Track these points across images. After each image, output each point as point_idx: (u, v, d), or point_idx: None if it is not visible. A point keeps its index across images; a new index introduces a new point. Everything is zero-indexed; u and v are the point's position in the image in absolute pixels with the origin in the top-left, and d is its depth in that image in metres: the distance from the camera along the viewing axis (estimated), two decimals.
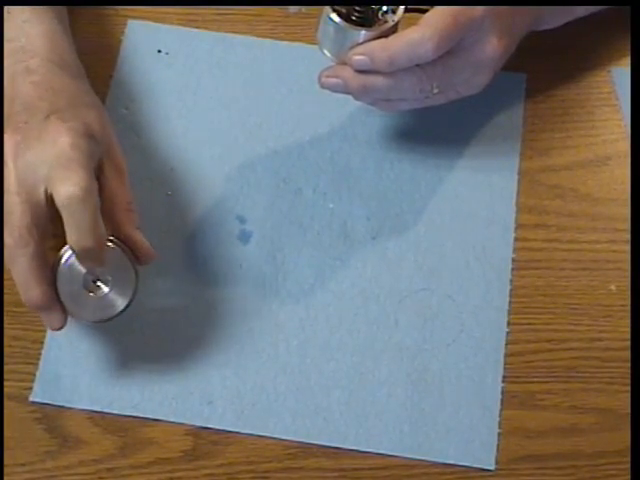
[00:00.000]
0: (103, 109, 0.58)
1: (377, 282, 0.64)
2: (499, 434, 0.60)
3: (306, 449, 0.60)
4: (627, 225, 0.65)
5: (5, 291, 0.62)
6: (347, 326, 0.62)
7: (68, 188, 0.51)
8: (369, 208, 0.66)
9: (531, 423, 0.60)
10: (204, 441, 0.60)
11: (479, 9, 0.58)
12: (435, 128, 0.68)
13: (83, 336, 0.62)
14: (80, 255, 0.53)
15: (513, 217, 0.66)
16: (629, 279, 0.63)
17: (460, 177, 0.67)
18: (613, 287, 0.64)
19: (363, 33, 0.58)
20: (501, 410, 0.60)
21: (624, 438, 0.60)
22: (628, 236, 0.65)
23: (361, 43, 0.58)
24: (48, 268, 0.54)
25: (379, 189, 0.66)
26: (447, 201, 0.66)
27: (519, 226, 0.66)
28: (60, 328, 0.55)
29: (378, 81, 0.59)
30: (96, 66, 0.70)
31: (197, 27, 0.72)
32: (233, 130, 0.68)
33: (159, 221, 0.65)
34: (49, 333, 0.62)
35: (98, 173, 0.55)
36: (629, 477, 0.58)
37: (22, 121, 0.54)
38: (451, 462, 0.59)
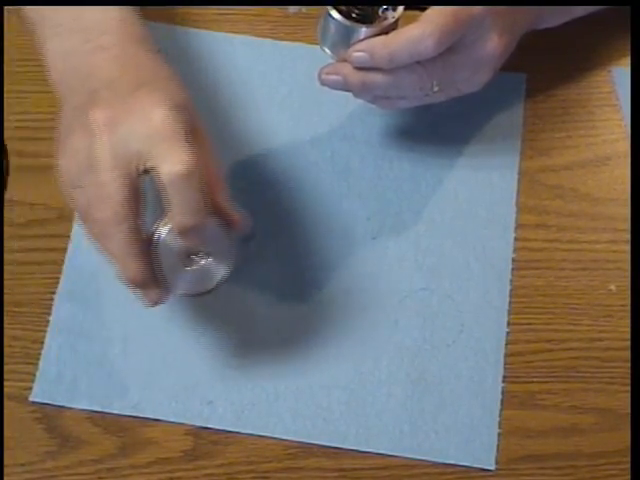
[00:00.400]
0: (180, 80, 0.56)
1: (377, 282, 0.64)
2: (499, 434, 0.60)
3: (306, 449, 0.60)
4: (627, 225, 0.65)
5: (5, 291, 0.63)
6: (347, 326, 0.62)
7: (173, 166, 0.49)
8: (369, 208, 0.66)
9: (531, 423, 0.60)
10: (204, 441, 0.60)
11: (480, 7, 0.58)
12: (435, 128, 0.68)
13: (83, 336, 0.62)
14: (181, 232, 0.52)
15: (513, 217, 0.66)
16: (629, 279, 0.63)
17: (460, 177, 0.67)
18: (613, 287, 0.64)
19: (363, 30, 0.58)
20: (501, 410, 0.60)
21: (624, 438, 0.60)
22: (628, 236, 0.65)
23: (361, 40, 0.58)
24: (145, 243, 0.53)
25: (379, 189, 0.66)
26: (447, 201, 0.66)
27: (519, 226, 0.65)
28: (159, 304, 0.54)
29: (378, 78, 0.59)
30: None
31: (197, 27, 0.72)
32: (233, 130, 0.68)
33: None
34: (49, 333, 0.62)
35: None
36: (629, 477, 0.58)
37: (108, 96, 0.52)
38: (451, 462, 0.59)
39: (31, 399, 0.60)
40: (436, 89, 0.60)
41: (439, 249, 0.65)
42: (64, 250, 0.64)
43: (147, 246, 0.53)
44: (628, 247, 0.64)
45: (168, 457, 0.59)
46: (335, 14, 0.57)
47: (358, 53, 0.58)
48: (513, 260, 0.64)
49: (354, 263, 0.64)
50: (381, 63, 0.58)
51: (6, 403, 0.60)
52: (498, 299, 0.63)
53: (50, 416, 0.60)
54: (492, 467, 0.59)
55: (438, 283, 0.64)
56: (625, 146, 0.68)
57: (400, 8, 0.58)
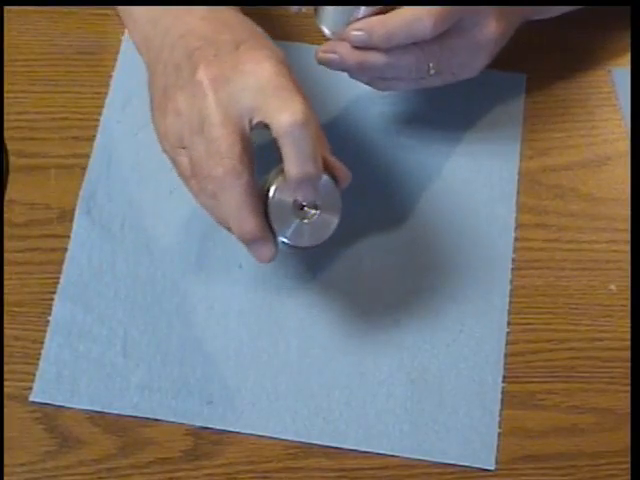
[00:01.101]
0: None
1: (377, 282, 0.64)
2: (499, 434, 0.60)
3: (306, 449, 0.60)
4: (627, 225, 0.65)
5: (5, 291, 0.63)
6: (347, 326, 0.62)
7: (289, 116, 0.50)
8: (369, 208, 0.66)
9: (531, 423, 0.60)
10: (204, 441, 0.60)
11: None
12: (435, 128, 0.68)
13: (83, 336, 0.62)
14: (298, 184, 0.52)
15: (513, 217, 0.66)
16: (629, 279, 0.63)
17: (460, 177, 0.67)
18: (613, 287, 0.64)
19: (362, 9, 0.57)
20: (501, 410, 0.60)
21: (624, 438, 0.60)
22: (628, 236, 0.65)
23: (359, 19, 0.58)
24: (260, 198, 0.53)
25: (379, 189, 0.66)
26: (447, 200, 0.66)
27: (519, 226, 0.65)
28: (271, 260, 0.54)
29: (375, 58, 0.59)
30: (96, 66, 0.70)
31: None
32: None
33: (159, 219, 0.65)
34: (49, 333, 0.62)
35: None
36: (629, 477, 0.58)
37: (210, 55, 0.52)
38: (451, 462, 0.59)
39: (31, 399, 0.60)
40: (432, 72, 0.60)
41: (439, 249, 0.65)
42: (64, 250, 0.64)
43: (261, 201, 0.53)
44: (628, 247, 0.64)
45: (168, 457, 0.59)
46: None
47: (356, 32, 0.58)
48: (513, 260, 0.64)
49: (354, 263, 0.64)
50: (379, 42, 0.57)
51: (6, 403, 0.60)
52: (498, 299, 0.63)
53: (50, 416, 0.60)
54: (492, 467, 0.59)
55: (438, 283, 0.64)
56: (625, 146, 0.68)
57: None
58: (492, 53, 0.62)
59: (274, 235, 0.54)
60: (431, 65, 0.59)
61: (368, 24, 0.57)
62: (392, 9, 0.58)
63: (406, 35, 0.57)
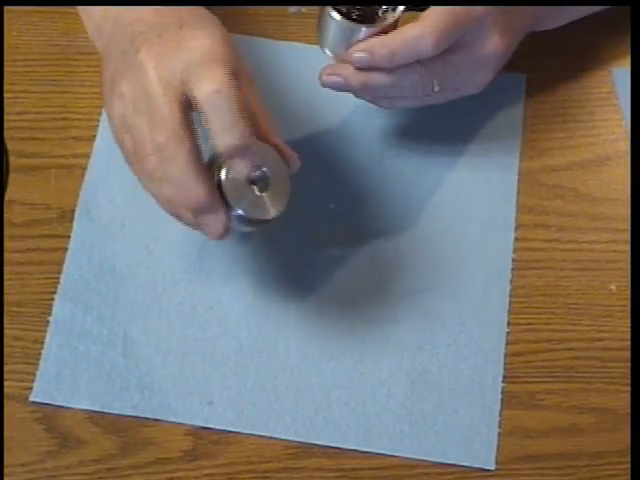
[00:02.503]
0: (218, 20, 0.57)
1: (377, 282, 0.64)
2: (499, 434, 0.60)
3: (306, 449, 0.60)
4: (627, 225, 0.65)
5: (5, 291, 0.63)
6: (347, 326, 0.62)
7: (208, 85, 0.51)
8: (369, 208, 0.66)
9: (531, 423, 0.60)
10: (204, 441, 0.60)
11: (480, 7, 0.58)
12: (435, 129, 0.68)
13: (83, 336, 0.62)
14: (228, 155, 0.52)
15: (513, 217, 0.66)
16: (629, 279, 0.63)
17: (460, 177, 0.67)
18: (613, 287, 0.64)
19: (364, 30, 0.58)
20: (501, 410, 0.60)
21: (624, 438, 0.60)
22: (628, 236, 0.65)
23: (361, 40, 0.58)
24: (206, 167, 0.53)
25: (379, 189, 0.66)
26: (447, 201, 0.66)
27: (519, 226, 0.65)
28: (223, 235, 0.54)
29: (379, 78, 0.59)
30: (96, 66, 0.70)
31: None
32: None
33: (159, 219, 0.65)
34: (49, 333, 0.62)
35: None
36: (629, 477, 0.58)
37: (154, 36, 0.53)
38: (451, 462, 0.59)
39: (31, 399, 0.60)
40: (436, 89, 0.60)
41: (439, 249, 0.65)
42: (64, 250, 0.64)
43: (208, 171, 0.53)
44: (628, 247, 0.64)
45: (168, 457, 0.59)
46: (335, 15, 0.57)
47: (359, 54, 0.58)
48: (513, 260, 0.64)
49: (354, 263, 0.64)
50: (381, 63, 0.58)
51: (6, 403, 0.60)
52: (498, 299, 0.63)
53: (50, 416, 0.60)
54: (492, 467, 0.59)
55: (438, 283, 0.64)
56: (625, 146, 0.68)
57: (400, 8, 0.58)
58: (496, 68, 0.62)
59: (228, 210, 0.54)
60: (435, 82, 0.59)
61: (370, 45, 0.58)
62: (394, 29, 0.58)
63: (408, 54, 0.57)
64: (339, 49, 0.59)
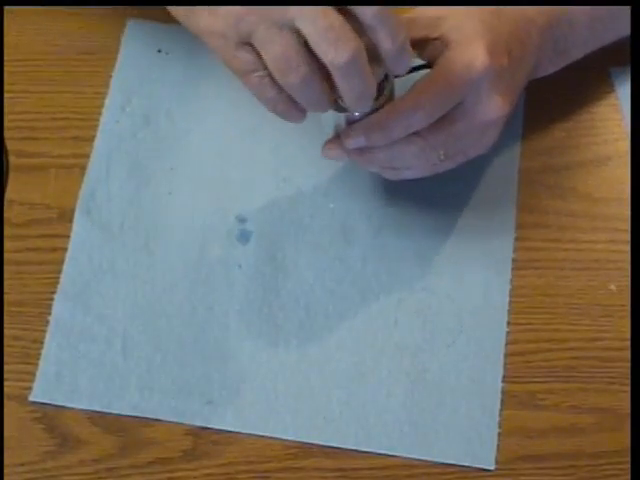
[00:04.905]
0: None
1: (377, 281, 0.64)
2: (499, 434, 0.60)
3: (306, 449, 0.60)
4: (627, 225, 0.65)
5: (5, 291, 0.63)
6: (347, 326, 0.62)
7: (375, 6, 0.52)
8: (369, 208, 0.66)
9: (531, 423, 0.60)
10: (204, 441, 0.60)
11: (477, 70, 0.56)
12: None
13: (83, 336, 0.62)
14: (396, 57, 0.54)
15: (513, 217, 0.66)
16: (629, 279, 0.63)
17: (460, 177, 0.67)
18: (613, 287, 0.64)
19: (357, 114, 0.58)
20: (501, 410, 0.60)
21: (624, 438, 0.60)
22: (628, 236, 0.64)
23: (357, 120, 0.58)
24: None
25: (379, 188, 0.66)
26: (447, 201, 0.66)
27: (519, 226, 0.65)
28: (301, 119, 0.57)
29: (379, 153, 0.59)
30: (96, 66, 0.70)
31: None
32: (233, 129, 0.68)
33: (159, 219, 0.65)
34: (49, 333, 0.62)
35: None
36: (629, 477, 0.58)
37: None
38: (451, 462, 0.59)
39: (31, 399, 0.60)
40: (442, 158, 0.60)
41: (439, 249, 0.65)
42: (64, 250, 0.64)
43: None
44: (628, 247, 0.64)
45: (168, 457, 0.59)
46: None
47: (354, 139, 0.58)
48: (513, 260, 0.64)
49: (354, 263, 0.64)
50: (378, 142, 0.58)
51: (6, 403, 0.60)
52: (498, 299, 0.63)
53: (50, 416, 0.60)
54: (492, 467, 0.59)
55: (438, 283, 0.64)
56: (625, 146, 0.68)
57: (392, 79, 0.58)
58: (501, 127, 0.61)
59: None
60: (441, 153, 0.59)
61: (364, 128, 0.58)
62: (390, 99, 0.58)
63: (403, 129, 0.57)
64: (338, 128, 0.59)
